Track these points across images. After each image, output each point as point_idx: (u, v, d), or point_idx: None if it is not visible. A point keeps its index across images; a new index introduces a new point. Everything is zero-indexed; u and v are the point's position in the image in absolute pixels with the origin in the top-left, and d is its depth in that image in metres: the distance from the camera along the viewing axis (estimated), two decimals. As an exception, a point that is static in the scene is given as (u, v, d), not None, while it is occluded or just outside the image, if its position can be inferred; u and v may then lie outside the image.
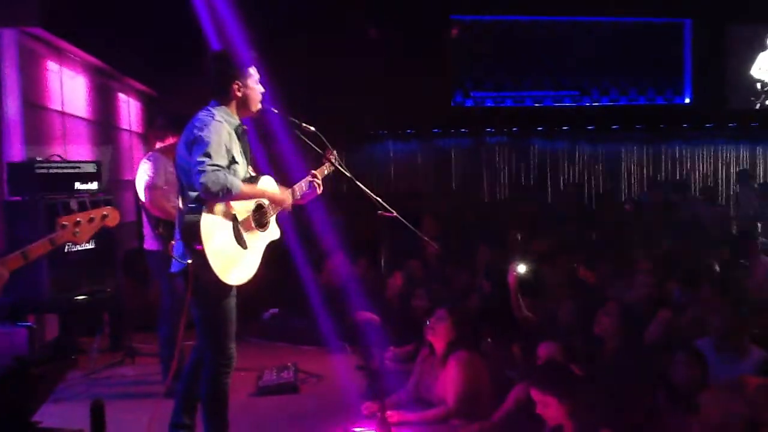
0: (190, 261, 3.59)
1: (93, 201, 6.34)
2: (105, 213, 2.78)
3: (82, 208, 2.68)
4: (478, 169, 11.66)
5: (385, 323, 6.52)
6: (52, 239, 2.64)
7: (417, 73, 11.21)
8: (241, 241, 3.72)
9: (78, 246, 5.99)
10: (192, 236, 3.55)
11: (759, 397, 2.64)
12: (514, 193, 10.93)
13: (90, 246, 6.14)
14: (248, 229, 3.80)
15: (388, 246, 6.16)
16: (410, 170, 11.50)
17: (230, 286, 3.73)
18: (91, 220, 2.71)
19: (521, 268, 5.55)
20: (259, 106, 3.89)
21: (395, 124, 11.43)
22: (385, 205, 4.08)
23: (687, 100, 12.36)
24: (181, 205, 3.75)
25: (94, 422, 2.57)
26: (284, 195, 3.91)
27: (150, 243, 5.37)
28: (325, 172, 4.18)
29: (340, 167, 4.11)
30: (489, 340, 5.34)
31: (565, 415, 3.50)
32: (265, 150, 4.51)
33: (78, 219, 2.66)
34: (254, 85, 3.85)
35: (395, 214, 4.10)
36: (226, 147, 3.65)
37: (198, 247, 3.55)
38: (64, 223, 2.64)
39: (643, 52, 12.16)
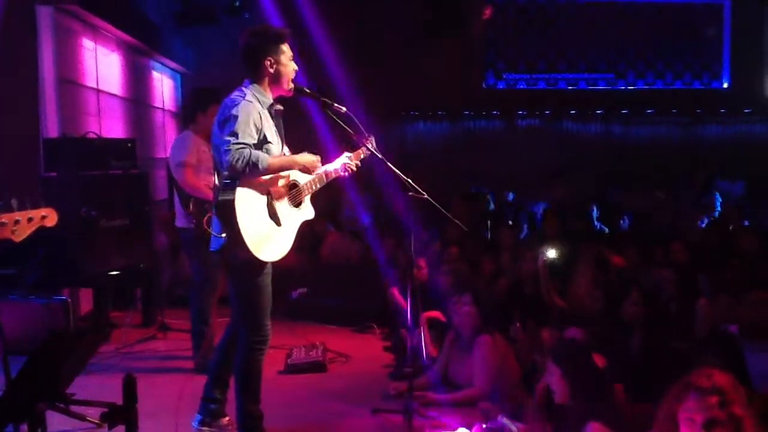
0: (224, 235, 3.63)
1: (126, 176, 6.45)
2: (44, 214, 2.81)
3: (22, 207, 2.70)
4: (509, 151, 11.55)
5: (413, 304, 6.52)
6: None
7: (449, 54, 11.13)
8: (275, 218, 3.75)
9: (112, 222, 6.11)
10: (227, 213, 3.58)
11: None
12: (545, 176, 10.80)
13: (124, 221, 6.24)
14: (282, 206, 3.82)
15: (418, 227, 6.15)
16: (440, 151, 11.43)
17: (264, 263, 3.76)
18: (30, 219, 2.75)
19: (551, 254, 5.50)
20: (292, 84, 3.88)
21: (427, 104, 11.36)
22: (416, 186, 4.06)
23: (725, 85, 12.10)
24: (217, 182, 3.78)
25: (127, 396, 2.61)
26: (313, 160, 3.89)
27: (181, 220, 5.42)
28: (361, 156, 4.17)
29: (375, 152, 4.10)
30: (518, 324, 5.32)
31: (566, 392, 3.50)
32: (300, 131, 4.51)
33: (17, 218, 2.70)
34: (287, 62, 3.83)
35: (426, 195, 4.08)
36: (256, 127, 3.66)
37: (227, 232, 3.59)
38: (3, 220, 2.68)
39: (680, 35, 11.91)
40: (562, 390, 3.51)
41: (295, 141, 4.07)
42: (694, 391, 2.50)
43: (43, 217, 2.77)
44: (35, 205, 2.75)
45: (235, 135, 3.56)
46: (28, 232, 2.73)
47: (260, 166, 3.58)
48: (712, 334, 4.46)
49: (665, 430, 2.57)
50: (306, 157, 3.88)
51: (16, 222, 2.67)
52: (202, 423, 4.09)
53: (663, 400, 2.60)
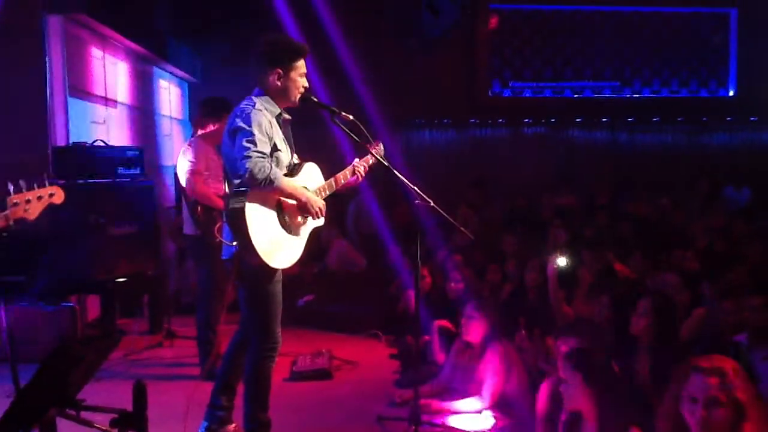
0: (235, 243, 3.66)
1: (133, 184, 6.49)
2: (52, 191, 2.92)
3: (30, 187, 2.81)
4: (515, 159, 11.55)
5: (419, 312, 6.52)
6: (6, 215, 2.81)
7: (455, 63, 11.16)
8: (285, 226, 3.78)
9: (119, 229, 6.15)
10: (238, 221, 3.60)
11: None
12: (551, 184, 10.79)
13: (131, 229, 6.28)
14: (293, 214, 3.84)
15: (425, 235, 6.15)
16: (446, 160, 11.43)
17: (275, 270, 3.78)
18: (39, 198, 2.86)
19: (561, 261, 5.46)
20: (298, 99, 3.89)
21: (432, 113, 11.39)
22: (422, 194, 4.08)
23: (731, 93, 12.10)
24: (227, 191, 3.81)
25: (137, 403, 2.62)
26: (314, 199, 3.86)
27: (189, 228, 5.45)
28: (370, 162, 4.20)
29: (382, 159, 4.12)
30: (523, 332, 5.31)
31: (589, 400, 3.37)
32: (310, 137, 4.54)
33: (28, 197, 2.81)
34: (297, 78, 3.84)
35: (432, 203, 4.09)
36: (267, 135, 3.69)
37: (238, 240, 3.61)
38: (15, 201, 2.80)
39: (686, 43, 11.92)
40: (580, 397, 3.40)
41: (313, 148, 4.10)
42: (695, 371, 2.49)
43: (51, 195, 2.87)
44: (42, 184, 2.83)
45: (253, 143, 3.58)
46: (40, 209, 2.84)
47: (275, 184, 3.60)
48: (717, 343, 4.44)
49: (670, 414, 2.57)
50: (309, 194, 3.85)
51: (28, 201, 2.79)
52: (208, 430, 4.11)
53: (668, 387, 2.61)
